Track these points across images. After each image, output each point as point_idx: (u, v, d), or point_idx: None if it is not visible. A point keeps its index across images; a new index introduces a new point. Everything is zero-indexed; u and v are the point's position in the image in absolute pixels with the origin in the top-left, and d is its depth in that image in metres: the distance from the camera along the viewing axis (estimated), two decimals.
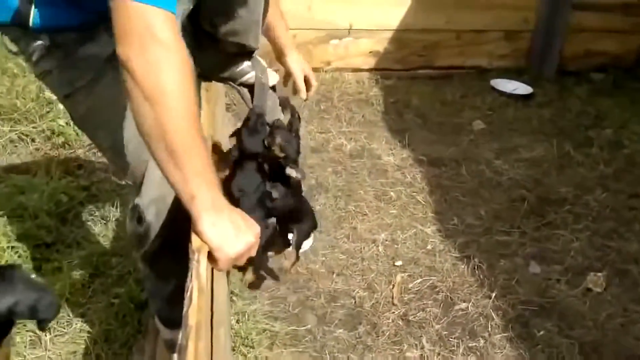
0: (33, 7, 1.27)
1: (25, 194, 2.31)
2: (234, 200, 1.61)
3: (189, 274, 1.17)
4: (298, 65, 1.90)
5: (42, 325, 1.06)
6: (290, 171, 1.70)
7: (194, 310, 1.10)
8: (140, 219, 1.53)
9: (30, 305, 1.00)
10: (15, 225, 2.15)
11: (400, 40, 3.54)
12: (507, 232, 2.35)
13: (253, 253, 1.22)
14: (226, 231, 1.13)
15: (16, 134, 2.71)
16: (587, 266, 2.19)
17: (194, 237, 1.25)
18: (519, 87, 3.34)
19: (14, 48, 1.40)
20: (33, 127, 2.77)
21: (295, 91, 1.95)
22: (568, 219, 2.41)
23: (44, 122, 2.79)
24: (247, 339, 1.90)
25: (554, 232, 2.34)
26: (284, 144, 1.67)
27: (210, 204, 1.11)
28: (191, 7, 1.43)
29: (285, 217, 1.74)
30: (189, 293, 1.13)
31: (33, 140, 2.74)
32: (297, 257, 1.77)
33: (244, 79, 1.82)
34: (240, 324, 1.95)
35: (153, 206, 1.51)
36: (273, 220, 1.66)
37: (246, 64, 1.81)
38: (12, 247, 2.05)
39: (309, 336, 1.96)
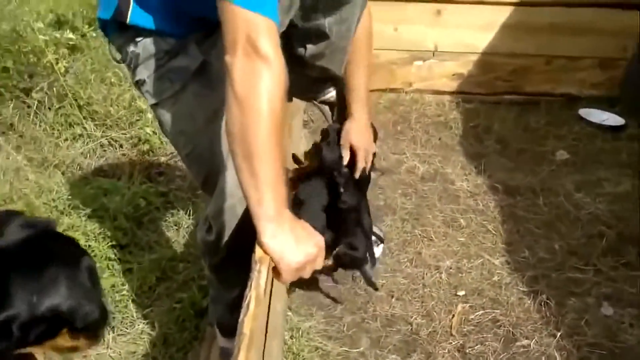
0: (132, 2, 1.40)
1: (108, 196, 2.47)
2: (299, 204, 1.64)
3: (249, 283, 1.21)
4: (347, 135, 1.84)
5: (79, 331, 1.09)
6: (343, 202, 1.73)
7: (250, 318, 1.13)
8: (210, 228, 1.60)
9: (69, 308, 1.04)
10: (95, 225, 2.31)
11: (486, 63, 3.45)
12: (581, 269, 2.21)
13: (318, 265, 1.23)
14: (286, 242, 1.16)
15: (107, 139, 2.90)
16: None
17: (257, 248, 1.28)
18: (609, 118, 3.15)
19: (117, 57, 1.56)
20: (122, 134, 2.96)
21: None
22: None
23: (133, 129, 2.97)
24: (299, 356, 1.92)
25: (633, 273, 2.17)
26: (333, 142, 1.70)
27: (273, 214, 1.14)
28: (287, 21, 1.46)
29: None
30: (246, 301, 1.16)
31: (121, 145, 2.93)
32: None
33: (326, 97, 1.86)
34: (294, 339, 1.97)
35: (223, 216, 1.57)
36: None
37: (329, 84, 1.84)
38: (89, 246, 2.19)
39: (361, 359, 1.94)
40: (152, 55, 1.47)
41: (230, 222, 1.56)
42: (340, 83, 1.87)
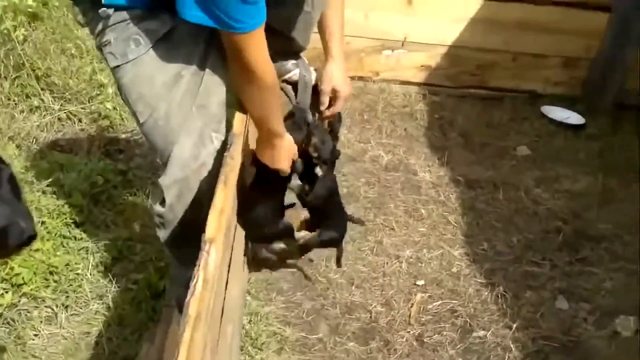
0: None
1: (64, 171, 2.39)
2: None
3: (197, 264, 1.18)
4: (330, 78, 1.82)
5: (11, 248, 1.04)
6: (318, 170, 1.71)
7: (196, 300, 1.11)
8: (163, 200, 1.56)
9: (2, 227, 0.98)
10: (50, 201, 2.22)
11: (454, 57, 3.47)
12: (538, 263, 2.26)
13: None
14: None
15: (65, 112, 2.79)
16: (618, 308, 2.09)
17: (207, 228, 1.26)
18: (570, 117, 3.21)
19: (82, 20, 1.51)
20: (82, 108, 2.85)
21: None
22: (604, 257, 2.30)
23: (93, 103, 2.87)
24: (257, 341, 1.90)
25: (587, 268, 2.24)
26: (319, 145, 1.67)
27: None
28: None
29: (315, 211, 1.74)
30: (193, 282, 1.14)
31: (80, 120, 2.83)
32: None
33: (288, 76, 1.82)
34: (252, 324, 1.95)
35: (176, 187, 1.55)
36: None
37: (291, 62, 1.81)
38: (43, 222, 2.11)
39: (319, 345, 1.94)
40: (121, 21, 1.44)
41: (184, 195, 1.56)
42: (303, 63, 1.84)
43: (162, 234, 1.66)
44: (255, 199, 1.63)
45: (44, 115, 2.78)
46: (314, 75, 1.83)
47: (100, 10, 1.43)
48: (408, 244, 2.34)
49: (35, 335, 1.87)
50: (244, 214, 1.64)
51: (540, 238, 2.38)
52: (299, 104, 1.80)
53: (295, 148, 1.60)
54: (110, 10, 1.42)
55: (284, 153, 1.56)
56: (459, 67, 3.49)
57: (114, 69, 1.49)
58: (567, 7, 3.26)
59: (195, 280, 1.14)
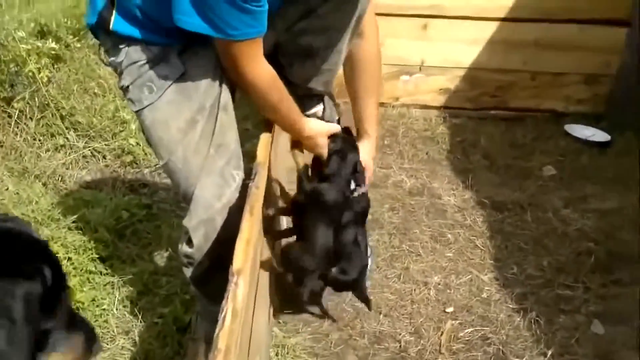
0: (114, 11, 1.44)
1: (89, 208, 2.41)
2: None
3: (226, 296, 1.16)
4: (368, 157, 1.92)
5: None
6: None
7: (225, 333, 1.09)
8: (190, 240, 1.57)
9: None
10: (76, 237, 2.24)
11: (472, 79, 3.46)
12: (570, 286, 2.19)
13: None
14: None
15: (89, 150, 2.84)
16: None
17: (234, 260, 1.25)
18: (595, 134, 3.16)
19: (106, 60, 1.58)
20: (105, 145, 2.90)
21: None
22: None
23: (117, 140, 2.91)
24: None
25: (623, 290, 2.15)
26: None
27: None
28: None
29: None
30: (222, 315, 1.12)
31: (104, 157, 2.87)
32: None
33: (312, 111, 1.84)
34: (279, 357, 1.91)
35: (202, 228, 1.56)
36: None
37: (315, 99, 1.84)
38: (69, 259, 2.13)
39: None
40: (135, 62, 1.48)
41: (211, 234, 1.57)
42: (327, 100, 1.87)
43: (190, 273, 1.67)
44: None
45: (69, 153, 2.83)
46: (336, 115, 1.86)
47: (117, 59, 1.50)
48: (435, 270, 2.30)
49: None
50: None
51: (572, 260, 2.31)
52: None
53: (324, 127, 1.72)
54: (122, 54, 1.47)
55: (319, 139, 1.68)
56: (478, 89, 3.48)
57: (136, 113, 1.55)
58: (583, 23, 3.24)
59: (224, 312, 1.13)
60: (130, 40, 1.47)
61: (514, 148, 3.13)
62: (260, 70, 1.45)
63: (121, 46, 1.49)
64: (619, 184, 2.76)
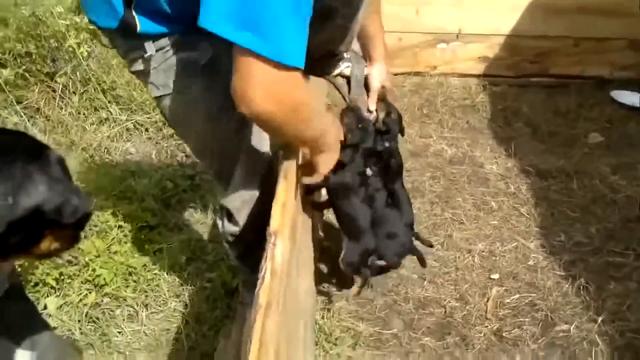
0: (134, 13, 1.30)
1: (136, 178, 2.46)
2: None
3: (264, 255, 1.18)
4: (375, 79, 1.78)
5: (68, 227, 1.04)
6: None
7: (265, 289, 1.11)
8: (231, 218, 1.58)
9: (56, 206, 0.97)
10: (124, 206, 2.29)
11: (512, 46, 3.38)
12: (621, 253, 2.15)
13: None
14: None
15: (132, 123, 2.88)
16: None
17: (272, 221, 1.26)
18: None
19: (109, 44, 1.46)
20: (147, 118, 2.94)
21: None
22: None
23: (157, 113, 2.94)
24: (331, 336, 1.89)
25: None
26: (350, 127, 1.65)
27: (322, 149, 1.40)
28: None
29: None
30: (262, 273, 1.14)
31: (147, 129, 2.91)
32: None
33: (339, 70, 1.79)
34: (325, 320, 1.94)
35: (246, 208, 1.56)
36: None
37: (343, 56, 1.78)
38: (119, 227, 2.18)
39: (394, 340, 1.91)
40: (161, 46, 1.38)
41: (252, 212, 1.57)
42: (353, 55, 1.80)
43: (235, 252, 1.69)
44: None
45: (113, 126, 2.87)
46: (365, 69, 1.80)
47: (145, 44, 1.35)
48: (480, 238, 2.28)
49: (119, 332, 1.94)
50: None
51: (621, 227, 2.27)
52: (352, 102, 1.78)
53: (336, 130, 1.47)
54: (147, 46, 1.35)
55: (334, 145, 1.46)
56: (518, 55, 3.40)
57: (157, 99, 1.45)
58: None
59: (263, 271, 1.14)
60: (155, 37, 1.35)
61: (557, 115, 3.06)
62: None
63: (145, 43, 1.36)
64: None
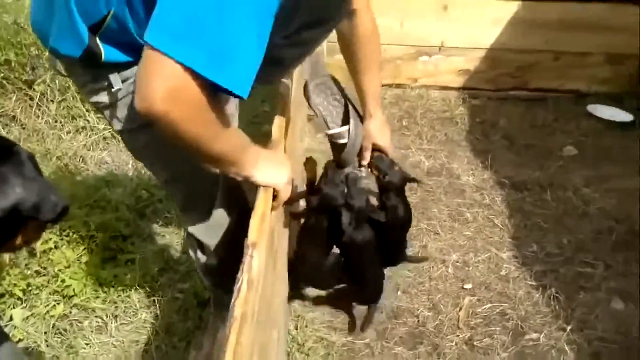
0: (98, 41, 1.24)
1: (110, 188, 2.45)
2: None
3: (241, 267, 1.18)
4: (370, 136, 1.78)
5: (47, 222, 1.07)
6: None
7: (241, 302, 1.10)
8: (204, 250, 1.60)
9: (34, 204, 1.00)
10: (97, 215, 2.28)
11: (493, 59, 3.42)
12: (591, 264, 2.17)
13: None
14: (273, 171, 1.34)
15: (109, 131, 2.87)
16: None
17: (249, 232, 1.26)
18: (618, 114, 3.11)
19: (63, 70, 1.40)
20: None
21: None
22: None
23: None
24: (303, 346, 1.88)
25: None
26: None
27: (251, 166, 1.27)
28: None
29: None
30: (238, 285, 1.13)
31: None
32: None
33: (338, 130, 1.79)
34: (298, 330, 1.93)
35: (221, 240, 1.57)
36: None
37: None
38: (92, 237, 2.17)
39: (367, 350, 1.91)
40: (126, 80, 1.31)
41: (218, 236, 1.57)
42: (352, 113, 1.78)
43: (210, 280, 1.71)
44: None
45: (90, 135, 2.86)
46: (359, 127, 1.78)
47: (111, 77, 1.29)
48: (454, 248, 2.29)
49: (87, 344, 1.91)
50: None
51: (592, 239, 2.29)
52: (344, 160, 1.78)
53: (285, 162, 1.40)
54: (111, 78, 1.29)
55: (276, 166, 1.35)
56: (498, 69, 3.44)
57: (120, 133, 1.39)
58: (608, 2, 3.17)
59: (239, 283, 1.14)
60: (119, 67, 1.29)
61: (534, 129, 3.09)
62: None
63: (111, 75, 1.30)
64: None
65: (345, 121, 1.76)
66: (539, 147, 2.93)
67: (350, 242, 1.69)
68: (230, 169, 1.25)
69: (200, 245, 1.60)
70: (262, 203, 1.39)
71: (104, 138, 2.85)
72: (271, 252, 1.50)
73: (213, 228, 1.55)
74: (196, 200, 1.52)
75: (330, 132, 1.77)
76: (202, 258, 1.63)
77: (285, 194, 1.39)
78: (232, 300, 1.11)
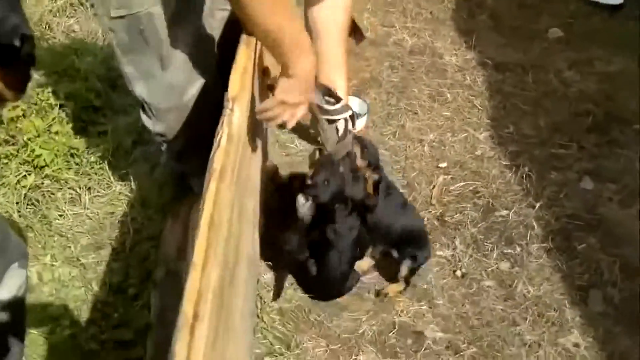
0: None
1: (79, 56, 2.34)
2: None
3: (221, 121, 1.14)
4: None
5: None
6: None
7: (221, 153, 1.07)
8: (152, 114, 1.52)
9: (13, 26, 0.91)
10: (66, 84, 2.19)
11: None
12: (565, 145, 2.19)
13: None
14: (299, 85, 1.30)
15: None
16: None
17: (230, 87, 1.21)
18: None
19: None
20: None
21: None
22: (634, 138, 2.21)
23: None
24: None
25: (616, 150, 2.16)
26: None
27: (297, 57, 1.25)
28: None
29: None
30: (218, 138, 1.10)
31: (92, 5, 2.72)
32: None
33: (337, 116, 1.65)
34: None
35: (174, 112, 1.50)
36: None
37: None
38: (61, 106, 2.10)
39: None
40: None
41: (183, 118, 1.52)
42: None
43: (166, 155, 1.65)
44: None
45: (56, 0, 2.69)
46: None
47: None
48: (431, 128, 2.29)
49: (60, 215, 1.91)
50: None
51: (569, 121, 2.30)
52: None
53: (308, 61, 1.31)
54: None
55: (301, 76, 1.30)
56: None
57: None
58: None
59: (219, 136, 1.11)
60: None
61: (521, 9, 2.98)
62: None
63: None
64: (626, 48, 2.67)
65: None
66: (524, 28, 2.84)
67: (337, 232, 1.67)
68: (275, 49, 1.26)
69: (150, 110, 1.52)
70: (243, 57, 1.32)
71: (71, 4, 2.69)
72: (252, 113, 1.43)
73: (177, 107, 1.49)
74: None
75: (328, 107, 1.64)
76: (160, 130, 1.53)
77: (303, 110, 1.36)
78: (212, 152, 1.07)
